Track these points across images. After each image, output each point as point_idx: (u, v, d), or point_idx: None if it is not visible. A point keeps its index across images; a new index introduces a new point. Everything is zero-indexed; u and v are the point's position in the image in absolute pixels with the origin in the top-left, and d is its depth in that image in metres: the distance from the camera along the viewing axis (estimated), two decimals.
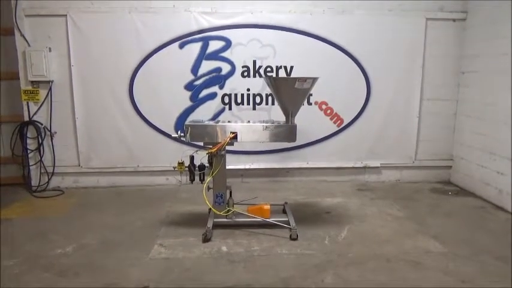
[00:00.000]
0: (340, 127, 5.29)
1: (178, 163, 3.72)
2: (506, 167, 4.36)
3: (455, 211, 4.35)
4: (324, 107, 5.21)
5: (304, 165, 5.35)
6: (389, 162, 5.40)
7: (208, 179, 3.67)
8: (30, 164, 5.08)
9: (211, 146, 3.60)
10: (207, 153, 3.62)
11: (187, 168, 3.72)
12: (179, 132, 3.65)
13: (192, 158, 3.72)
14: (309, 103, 5.18)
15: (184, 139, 3.62)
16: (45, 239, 3.63)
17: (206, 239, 3.51)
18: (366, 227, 3.88)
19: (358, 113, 5.26)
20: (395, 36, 5.09)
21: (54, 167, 5.15)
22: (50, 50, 4.87)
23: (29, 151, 5.05)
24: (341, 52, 5.08)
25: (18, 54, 4.87)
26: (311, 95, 5.13)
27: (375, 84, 5.19)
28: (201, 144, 3.89)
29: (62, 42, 4.89)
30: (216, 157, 3.65)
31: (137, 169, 5.22)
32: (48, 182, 5.16)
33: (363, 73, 5.15)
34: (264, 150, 5.25)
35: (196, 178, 3.74)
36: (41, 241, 3.60)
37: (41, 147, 5.06)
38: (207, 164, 3.73)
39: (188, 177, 3.78)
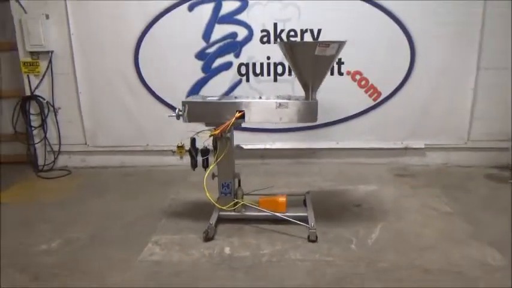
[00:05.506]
0: (377, 101, 4.49)
1: (178, 146, 3.17)
2: None
3: None
4: (357, 77, 4.42)
5: (333, 145, 4.63)
6: (435, 143, 4.57)
7: (212, 165, 3.09)
8: (35, 142, 4.74)
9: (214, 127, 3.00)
10: (210, 136, 3.02)
11: (188, 153, 3.17)
12: (177, 110, 3.07)
13: (193, 140, 3.15)
14: (340, 73, 4.41)
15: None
16: (32, 231, 3.24)
17: (207, 238, 2.97)
18: (403, 225, 3.18)
19: (399, 84, 4.42)
20: None
21: (60, 145, 4.78)
22: (47, 17, 4.37)
23: (32, 128, 4.69)
24: (379, 11, 4.21)
25: (14, 23, 4.42)
26: (343, 63, 4.38)
27: (420, 50, 4.30)
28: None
29: (60, 8, 4.36)
30: (221, 140, 3.05)
31: (147, 148, 4.75)
32: (54, 161, 4.81)
33: (406, 36, 4.28)
34: (286, 128, 4.58)
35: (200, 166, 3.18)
36: (26, 233, 3.20)
37: (45, 124, 4.68)
38: (210, 147, 3.15)
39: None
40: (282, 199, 3.16)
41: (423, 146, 4.59)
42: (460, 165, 4.62)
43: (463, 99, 4.45)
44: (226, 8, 4.28)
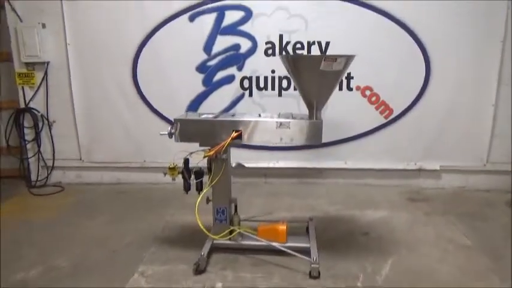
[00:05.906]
0: (389, 119, 4.20)
1: (169, 168, 2.90)
2: None
3: None
4: (368, 93, 4.15)
5: (341, 165, 4.34)
6: (451, 165, 4.25)
7: (205, 189, 2.83)
8: (28, 156, 4.54)
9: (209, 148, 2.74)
10: (203, 157, 2.77)
11: (180, 175, 2.91)
12: (169, 128, 2.82)
13: (186, 161, 2.89)
14: (349, 88, 4.14)
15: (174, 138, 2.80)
16: (13, 256, 2.98)
17: (198, 271, 2.69)
18: (416, 260, 2.86)
19: (413, 101, 4.14)
20: (466, 1, 3.87)
21: (54, 160, 4.57)
22: (43, 26, 4.21)
23: (26, 142, 4.50)
24: (392, 22, 3.94)
25: (10, 32, 4.26)
26: (352, 78, 4.11)
27: (436, 64, 4.02)
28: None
29: (57, 17, 4.19)
30: (216, 162, 2.79)
31: (144, 165, 4.51)
32: (47, 177, 4.60)
33: (421, 49, 4.00)
34: (291, 146, 4.30)
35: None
36: (8, 258, 2.94)
37: (39, 138, 4.49)
38: (205, 168, 2.89)
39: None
40: (282, 227, 2.88)
41: (438, 168, 4.27)
42: (478, 189, 4.28)
43: (482, 117, 4.14)
44: (229, 18, 4.06)
